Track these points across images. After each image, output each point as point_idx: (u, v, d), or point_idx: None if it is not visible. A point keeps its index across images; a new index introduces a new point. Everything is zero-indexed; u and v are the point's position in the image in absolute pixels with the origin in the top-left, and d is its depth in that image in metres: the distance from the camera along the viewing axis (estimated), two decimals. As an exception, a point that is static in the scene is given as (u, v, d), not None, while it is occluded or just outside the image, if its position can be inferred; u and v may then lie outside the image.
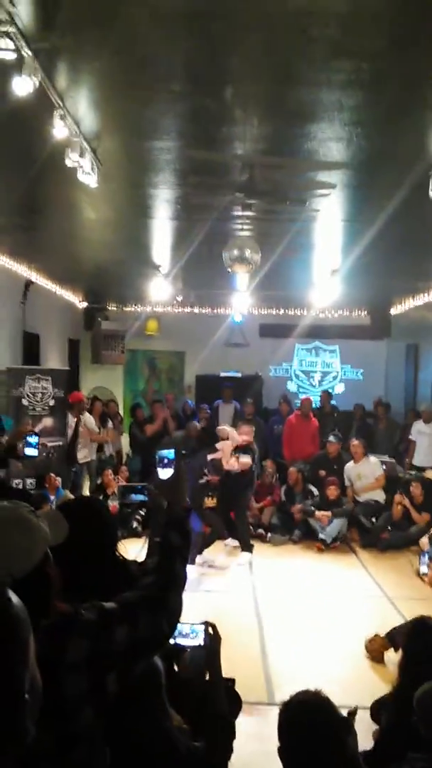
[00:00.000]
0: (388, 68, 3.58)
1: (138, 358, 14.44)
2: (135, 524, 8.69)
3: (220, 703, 2.18)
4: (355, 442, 9.79)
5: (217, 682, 2.24)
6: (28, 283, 9.41)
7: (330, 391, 13.24)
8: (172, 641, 2.24)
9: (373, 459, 9.75)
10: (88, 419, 9.71)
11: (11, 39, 3.22)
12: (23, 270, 9.01)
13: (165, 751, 1.88)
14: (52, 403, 8.88)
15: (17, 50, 3.33)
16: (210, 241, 7.01)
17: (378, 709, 3.38)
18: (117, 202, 6.14)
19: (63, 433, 9.00)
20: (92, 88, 4.03)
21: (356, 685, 4.85)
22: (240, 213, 6.03)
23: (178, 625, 2.23)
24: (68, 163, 4.46)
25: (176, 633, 2.23)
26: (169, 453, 2.21)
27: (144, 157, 4.99)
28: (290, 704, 2.04)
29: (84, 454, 9.43)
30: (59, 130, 4.11)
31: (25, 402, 8.63)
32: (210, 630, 2.29)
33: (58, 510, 1.93)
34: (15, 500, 1.71)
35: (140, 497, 8.70)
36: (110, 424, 10.65)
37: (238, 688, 3.54)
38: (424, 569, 7.47)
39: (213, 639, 2.27)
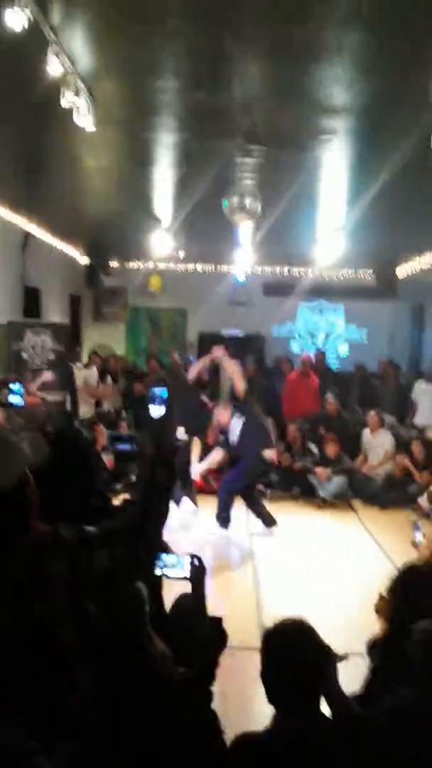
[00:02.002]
0: (389, 5, 3.45)
1: (140, 316, 14.36)
2: (133, 477, 8.70)
3: (204, 633, 2.20)
4: (372, 413, 9.70)
5: (202, 612, 2.25)
6: (27, 235, 9.30)
7: (323, 350, 13.13)
8: (158, 572, 2.26)
9: (387, 434, 9.65)
10: (90, 375, 9.70)
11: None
12: (22, 222, 8.90)
13: (147, 675, 1.90)
14: (51, 357, 8.85)
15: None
16: (212, 192, 6.87)
17: (371, 648, 3.43)
18: (116, 148, 6.01)
19: (63, 388, 8.99)
20: (87, 24, 3.90)
21: (353, 636, 4.89)
22: (241, 160, 5.91)
23: (164, 556, 2.24)
24: (64, 103, 4.36)
25: (162, 564, 2.25)
26: (162, 391, 2.19)
27: (142, 99, 4.86)
28: (272, 629, 2.05)
29: (85, 410, 9.45)
30: (53, 67, 4.00)
31: (24, 356, 8.61)
32: (195, 562, 2.30)
33: (41, 435, 1.93)
34: None
35: (126, 446, 8.58)
36: (109, 379, 10.63)
37: (231, 634, 3.58)
38: (419, 537, 7.47)
39: (198, 570, 2.28)
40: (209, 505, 8.01)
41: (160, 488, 1.94)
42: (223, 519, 7.26)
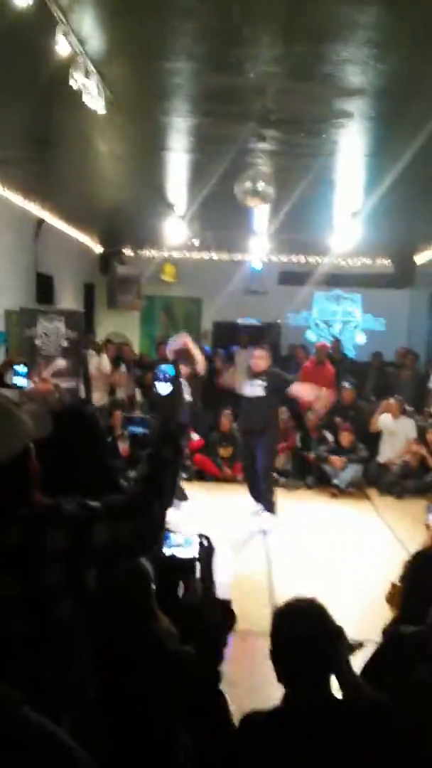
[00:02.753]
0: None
1: (155, 305, 14.35)
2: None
3: (213, 612, 2.19)
4: (392, 400, 9.58)
5: (210, 592, 2.24)
6: (40, 222, 9.29)
7: (339, 338, 13.02)
8: (166, 551, 2.26)
9: (410, 421, 9.54)
10: (103, 362, 9.70)
11: None
12: (35, 208, 8.89)
13: (152, 652, 1.89)
14: (65, 344, 8.84)
15: None
16: (226, 178, 6.80)
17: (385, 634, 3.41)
18: (128, 133, 5.96)
19: (76, 375, 8.99)
20: (97, 3, 3.85)
21: (366, 623, 4.86)
22: (256, 145, 5.84)
23: (172, 535, 2.23)
24: (73, 84, 4.31)
25: (170, 543, 2.25)
26: (169, 368, 2.19)
27: (154, 81, 4.80)
28: (283, 608, 2.04)
29: (98, 397, 9.45)
30: (62, 47, 3.95)
31: (38, 342, 8.60)
32: (204, 541, 2.29)
33: (45, 409, 1.92)
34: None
35: (139, 429, 8.56)
36: (123, 367, 10.63)
37: (243, 617, 3.56)
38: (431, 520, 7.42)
39: (207, 549, 2.27)
40: (223, 492, 8.01)
41: (165, 465, 1.91)
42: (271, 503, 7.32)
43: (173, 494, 1.94)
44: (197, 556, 2.29)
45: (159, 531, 1.85)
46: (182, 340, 7.76)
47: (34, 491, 1.67)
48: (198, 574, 2.36)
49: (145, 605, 1.95)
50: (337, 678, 2.07)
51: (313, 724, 1.89)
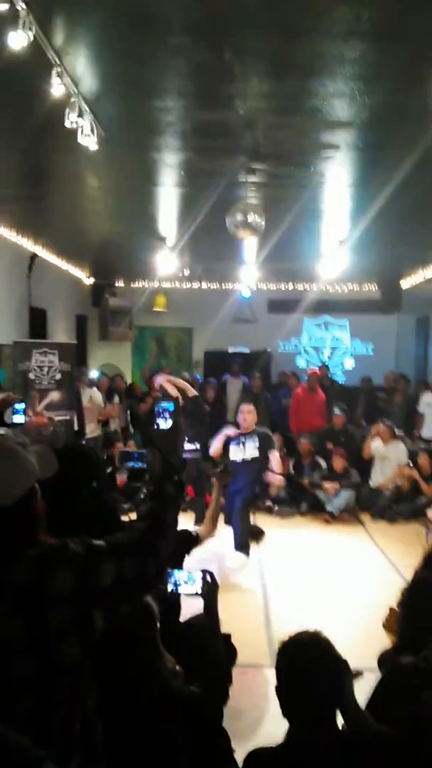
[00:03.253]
0: (390, 18, 3.48)
1: (146, 335, 14.41)
2: (142, 496, 8.66)
3: (217, 649, 2.18)
4: (381, 426, 9.63)
5: (215, 629, 2.23)
6: (33, 257, 9.36)
7: (327, 364, 13.11)
8: (170, 588, 2.25)
9: (400, 444, 9.58)
10: (95, 394, 9.71)
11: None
12: (28, 243, 8.96)
13: (157, 691, 1.88)
14: (58, 377, 8.85)
15: (10, 1, 3.27)
16: (216, 211, 6.90)
17: (382, 662, 3.40)
18: (120, 168, 6.05)
19: (70, 407, 9.00)
20: (89, 44, 3.94)
21: (363, 651, 4.84)
22: (245, 179, 5.94)
23: (176, 573, 2.23)
24: (67, 124, 4.39)
25: (174, 580, 2.24)
26: (169, 405, 2.19)
27: (145, 119, 4.90)
28: (288, 642, 2.02)
29: (91, 429, 9.45)
30: (57, 89, 4.04)
31: (31, 376, 8.61)
32: (208, 578, 2.28)
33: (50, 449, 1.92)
34: (3, 433, 1.75)
35: (138, 464, 8.52)
36: (116, 399, 10.65)
37: (241, 650, 3.54)
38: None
39: (211, 586, 2.27)
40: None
41: (168, 501, 1.93)
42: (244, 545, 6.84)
43: (175, 530, 1.95)
44: (201, 592, 2.28)
45: (164, 566, 1.86)
46: (162, 378, 7.85)
47: (41, 531, 1.68)
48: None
49: (150, 644, 1.94)
50: (342, 711, 2.06)
51: (320, 758, 1.87)
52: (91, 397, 9.65)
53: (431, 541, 7.38)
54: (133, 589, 1.76)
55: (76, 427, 9.16)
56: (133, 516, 7.40)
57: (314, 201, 7.08)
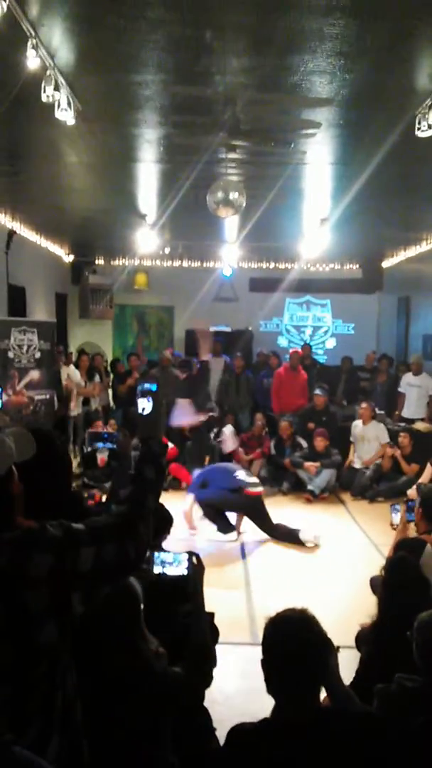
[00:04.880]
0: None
1: (127, 313, 14.32)
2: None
3: (201, 631, 2.18)
4: (363, 405, 9.69)
5: (199, 610, 2.23)
6: (11, 233, 9.22)
7: (309, 343, 13.10)
8: (156, 570, 2.25)
9: (380, 425, 9.63)
10: (74, 373, 9.66)
11: None
12: (6, 220, 8.82)
13: (140, 673, 1.87)
14: (38, 355, 8.78)
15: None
16: (196, 188, 6.83)
17: (360, 640, 3.45)
18: (98, 144, 5.95)
19: (50, 386, 8.93)
20: (65, 16, 3.84)
21: (342, 627, 4.90)
22: (225, 156, 5.87)
23: (161, 554, 2.22)
24: (43, 98, 4.29)
25: (159, 561, 2.24)
26: (151, 386, 2.16)
27: (123, 93, 4.80)
28: (276, 618, 2.02)
29: (71, 407, 9.41)
30: (32, 62, 3.93)
31: (11, 354, 8.52)
32: (193, 559, 2.28)
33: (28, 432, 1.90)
34: None
35: (107, 445, 8.48)
36: (97, 378, 10.59)
37: (222, 628, 3.56)
38: (395, 519, 7.48)
39: (196, 568, 2.27)
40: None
41: (148, 484, 1.91)
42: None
43: (156, 512, 1.94)
44: (186, 573, 2.28)
45: (144, 550, 1.84)
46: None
47: (17, 514, 1.66)
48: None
49: (132, 625, 1.93)
50: (327, 688, 2.07)
51: (302, 734, 1.88)
52: (69, 375, 9.59)
53: (398, 521, 7.41)
54: (113, 572, 1.75)
55: (56, 407, 9.11)
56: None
57: (295, 179, 7.02)
